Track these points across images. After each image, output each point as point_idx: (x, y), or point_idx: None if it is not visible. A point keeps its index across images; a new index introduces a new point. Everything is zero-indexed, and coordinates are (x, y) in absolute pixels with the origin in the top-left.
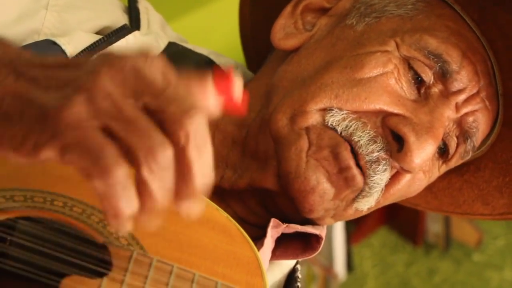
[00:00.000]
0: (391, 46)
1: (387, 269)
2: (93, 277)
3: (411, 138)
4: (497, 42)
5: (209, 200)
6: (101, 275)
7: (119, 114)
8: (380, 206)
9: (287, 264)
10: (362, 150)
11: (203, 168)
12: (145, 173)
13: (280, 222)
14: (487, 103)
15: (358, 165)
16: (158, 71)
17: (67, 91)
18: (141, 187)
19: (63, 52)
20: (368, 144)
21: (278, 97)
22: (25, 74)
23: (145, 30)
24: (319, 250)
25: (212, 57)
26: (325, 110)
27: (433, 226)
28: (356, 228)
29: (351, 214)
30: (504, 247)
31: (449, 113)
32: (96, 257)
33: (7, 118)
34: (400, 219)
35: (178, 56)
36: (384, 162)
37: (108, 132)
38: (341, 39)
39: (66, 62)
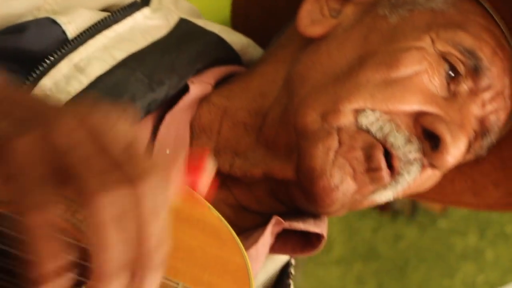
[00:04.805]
0: (426, 41)
1: (354, 234)
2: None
3: (447, 137)
4: None
5: (201, 198)
6: (80, 284)
7: (68, 163)
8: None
9: (281, 259)
10: (399, 152)
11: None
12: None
13: (282, 220)
14: (507, 101)
15: (389, 165)
16: (124, 140)
17: (26, 124)
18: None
19: (63, 32)
20: (404, 145)
21: (305, 89)
22: None
23: (156, 4)
24: (319, 248)
25: (223, 35)
26: (358, 111)
27: None
28: None
29: (365, 205)
30: (468, 213)
31: (476, 110)
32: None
33: None
34: None
35: (187, 35)
36: (418, 162)
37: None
38: (374, 31)
39: (35, 102)
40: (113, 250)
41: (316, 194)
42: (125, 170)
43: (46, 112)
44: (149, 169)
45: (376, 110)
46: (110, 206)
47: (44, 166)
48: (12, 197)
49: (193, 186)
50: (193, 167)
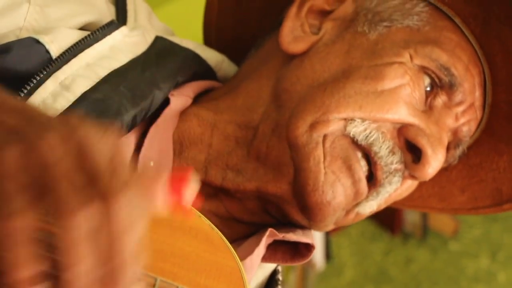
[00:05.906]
0: (405, 57)
1: (365, 258)
2: None
3: (428, 150)
4: (497, 56)
5: (191, 207)
6: None
7: (46, 182)
8: (378, 209)
9: (269, 266)
10: (382, 161)
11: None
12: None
13: (276, 233)
14: (477, 112)
15: (371, 173)
16: (106, 156)
17: (6, 137)
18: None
19: (47, 52)
20: (387, 155)
21: (293, 101)
22: None
23: (132, 23)
24: (309, 258)
25: (198, 51)
26: (346, 120)
27: (410, 215)
28: None
29: (351, 219)
30: (479, 236)
31: (450, 123)
32: None
33: None
34: None
35: (165, 52)
36: (399, 173)
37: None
38: (355, 46)
39: (23, 111)
40: (82, 267)
41: (309, 209)
42: (100, 187)
43: (36, 124)
44: (125, 184)
45: (365, 119)
46: (83, 223)
47: (26, 177)
48: None
49: (177, 201)
50: (176, 183)
